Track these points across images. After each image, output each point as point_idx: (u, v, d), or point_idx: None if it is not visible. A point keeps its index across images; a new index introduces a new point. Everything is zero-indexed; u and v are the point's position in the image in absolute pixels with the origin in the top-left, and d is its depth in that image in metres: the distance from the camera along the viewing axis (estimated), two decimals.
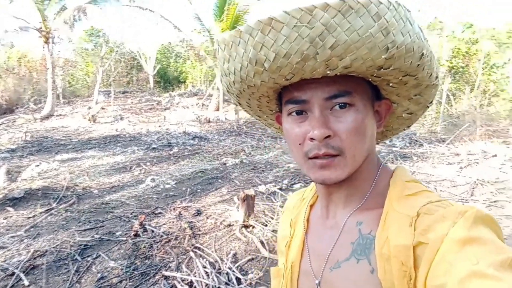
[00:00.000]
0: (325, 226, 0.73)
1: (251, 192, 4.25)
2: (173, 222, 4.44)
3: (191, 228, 4.26)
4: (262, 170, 6.37)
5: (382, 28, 0.54)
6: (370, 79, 0.65)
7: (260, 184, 5.50)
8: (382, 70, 0.60)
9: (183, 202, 5.08)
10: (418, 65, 0.61)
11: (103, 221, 4.61)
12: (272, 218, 4.27)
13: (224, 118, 12.72)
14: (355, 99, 0.63)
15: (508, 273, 0.45)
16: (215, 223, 4.37)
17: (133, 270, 3.60)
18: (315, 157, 0.63)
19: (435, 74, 0.67)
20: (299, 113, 0.65)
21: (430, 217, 0.56)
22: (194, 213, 4.68)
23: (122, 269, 3.60)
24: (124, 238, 4.11)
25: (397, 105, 0.73)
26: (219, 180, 5.94)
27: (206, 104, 15.90)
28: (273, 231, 4.04)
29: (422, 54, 0.60)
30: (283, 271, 0.80)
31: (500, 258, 0.47)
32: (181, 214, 4.67)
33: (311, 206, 0.80)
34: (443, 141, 9.10)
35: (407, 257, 0.55)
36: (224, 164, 6.88)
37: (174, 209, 4.85)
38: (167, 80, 26.08)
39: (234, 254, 3.76)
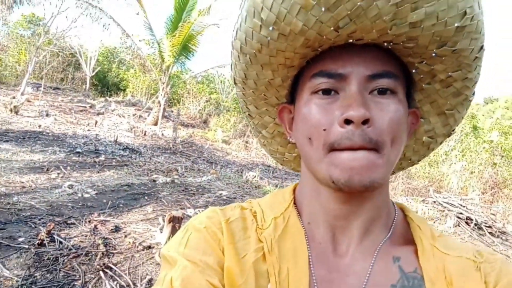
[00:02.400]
0: (337, 266, 0.54)
1: (178, 214, 4.03)
2: (86, 235, 4.05)
3: (106, 245, 3.90)
4: (193, 193, 6.14)
5: None
6: (415, 69, 0.55)
7: (189, 208, 5.27)
8: (443, 48, 0.49)
9: (101, 215, 4.69)
10: (476, 57, 0.51)
11: (5, 223, 4.07)
12: None
13: (161, 133, 12.31)
14: (398, 87, 0.52)
15: None
16: (134, 242, 4.05)
17: (30, 283, 3.17)
18: (346, 149, 0.48)
19: (476, 86, 0.57)
20: (326, 92, 0.52)
21: (493, 266, 0.51)
22: (111, 229, 4.31)
23: (17, 281, 3.15)
24: (27, 246, 3.64)
25: (424, 121, 0.62)
26: (146, 197, 5.61)
27: (144, 117, 15.35)
28: None
29: (482, 46, 0.51)
30: None
31: None
32: (96, 228, 4.28)
33: (280, 238, 0.57)
34: None
35: None
36: (154, 181, 6.54)
37: (89, 221, 4.44)
38: (106, 85, 24.90)
39: (150, 280, 3.48)
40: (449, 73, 0.53)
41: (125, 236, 4.20)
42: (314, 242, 0.57)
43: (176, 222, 3.99)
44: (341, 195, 0.54)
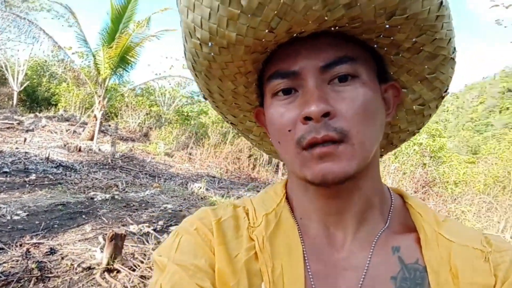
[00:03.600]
0: (332, 262, 0.52)
1: (121, 231, 3.81)
2: (17, 260, 3.68)
3: (40, 269, 3.58)
4: (136, 209, 5.87)
5: None
6: (376, 44, 0.52)
7: (132, 224, 5.01)
8: (393, 19, 0.46)
9: (34, 237, 4.31)
10: (437, 16, 0.47)
11: None
12: (142, 262, 3.85)
13: (98, 149, 11.71)
14: (359, 69, 0.49)
15: None
16: (72, 264, 3.76)
17: None
18: (312, 145, 0.47)
19: (454, 42, 0.52)
20: (287, 92, 0.51)
21: (503, 255, 0.48)
22: (46, 252, 3.97)
23: None
24: None
25: (407, 91, 0.58)
26: (83, 216, 5.25)
27: (78, 132, 14.53)
28: (141, 276, 3.62)
29: (441, 2, 0.47)
30: None
31: None
32: (29, 252, 3.91)
33: (271, 235, 0.54)
34: None
35: None
36: (92, 198, 6.16)
37: (20, 245, 4.05)
38: (35, 100, 23.30)
39: None
40: (414, 39, 0.50)
41: (62, 258, 3.88)
42: (308, 237, 0.55)
43: (118, 240, 3.76)
44: (325, 191, 0.52)
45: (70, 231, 4.69)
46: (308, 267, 0.52)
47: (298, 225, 0.56)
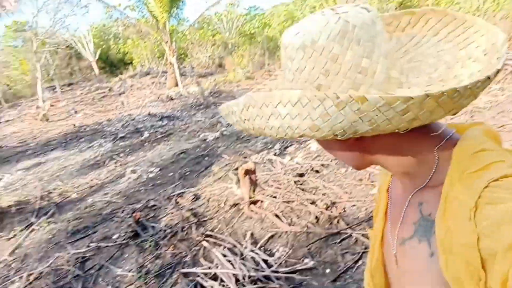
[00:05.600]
0: (397, 199, 0.72)
1: (249, 165, 3.94)
2: (172, 213, 4.08)
3: (195, 215, 3.93)
4: (248, 139, 6.05)
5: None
6: None
7: (252, 154, 5.19)
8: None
9: (175, 189, 4.71)
10: None
11: (94, 227, 4.17)
12: (280, 188, 4.00)
13: (186, 92, 12.12)
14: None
15: None
16: (219, 205, 4.06)
17: (145, 274, 3.26)
18: None
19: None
20: None
21: (494, 210, 0.48)
22: (192, 199, 4.33)
23: (133, 276, 3.25)
24: (125, 241, 3.72)
25: None
26: (206, 158, 5.58)
27: (162, 82, 15.11)
28: (284, 202, 3.79)
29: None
30: (371, 238, 0.80)
31: None
32: (178, 203, 4.31)
33: (392, 175, 0.77)
34: None
35: (473, 258, 0.49)
36: (205, 140, 6.48)
37: (168, 198, 4.47)
38: (112, 64, 24.55)
39: (252, 235, 3.49)
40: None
41: (208, 201, 4.21)
42: (395, 181, 0.76)
43: (251, 173, 3.91)
44: None
45: (202, 175, 5.03)
46: (390, 197, 0.76)
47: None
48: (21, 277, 3.36)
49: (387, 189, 0.76)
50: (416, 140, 0.61)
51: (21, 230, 4.27)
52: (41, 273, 3.40)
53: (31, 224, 4.39)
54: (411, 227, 0.63)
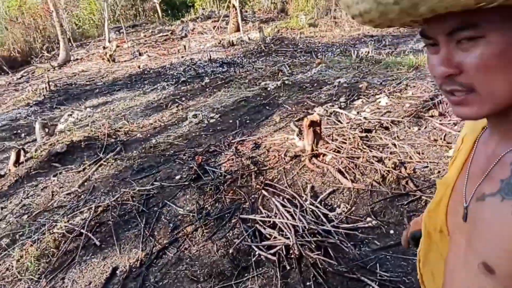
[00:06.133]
0: (486, 154, 0.68)
1: (315, 117, 3.77)
2: (232, 160, 4.08)
3: (255, 164, 3.89)
4: (310, 90, 5.81)
5: None
6: None
7: (315, 106, 4.99)
8: None
9: (235, 136, 4.68)
10: None
11: (157, 166, 4.30)
12: (344, 143, 3.82)
13: (247, 38, 11.85)
14: (483, 30, 0.52)
15: None
16: (279, 155, 3.98)
17: (206, 216, 3.32)
18: (447, 92, 0.59)
19: None
20: (432, 44, 0.59)
21: None
22: (252, 147, 4.29)
23: (193, 216, 3.33)
24: (186, 183, 3.80)
25: None
26: (267, 107, 5.46)
27: (223, 27, 14.87)
28: (348, 157, 3.62)
29: None
30: (441, 184, 0.79)
31: None
32: (238, 150, 4.29)
33: (483, 127, 0.74)
34: None
35: None
36: (266, 88, 6.33)
37: (228, 145, 4.46)
38: (174, 7, 24.46)
39: (312, 188, 3.40)
40: None
41: (268, 151, 4.14)
42: (485, 133, 0.72)
43: (315, 126, 3.75)
44: None
45: (262, 124, 4.94)
46: (475, 149, 0.73)
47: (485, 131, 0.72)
48: (89, 208, 3.58)
49: (474, 141, 0.74)
50: None
51: (90, 164, 4.52)
52: (108, 205, 3.59)
53: (100, 159, 4.62)
54: (497, 184, 0.61)
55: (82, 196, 3.93)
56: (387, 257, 2.59)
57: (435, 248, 0.80)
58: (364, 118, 4.30)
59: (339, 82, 5.73)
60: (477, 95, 0.55)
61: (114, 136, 5.29)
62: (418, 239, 0.91)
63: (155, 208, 3.52)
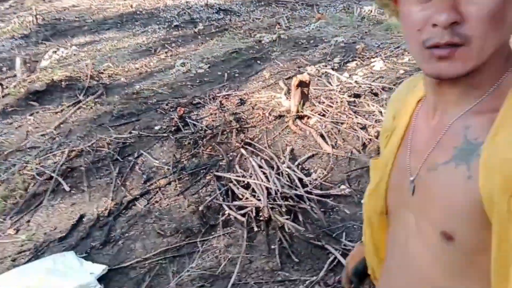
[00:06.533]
0: (429, 126, 0.67)
1: (305, 77, 3.60)
2: (215, 114, 3.95)
3: (237, 121, 3.77)
4: (305, 47, 5.57)
5: None
6: None
7: (307, 65, 4.79)
8: None
9: (222, 90, 4.51)
10: None
11: (138, 114, 4.16)
12: (331, 106, 3.69)
13: None
14: None
15: None
16: (263, 113, 3.85)
17: (180, 170, 3.25)
18: (434, 47, 0.54)
19: None
20: None
21: None
22: (237, 103, 4.14)
23: (168, 169, 3.25)
24: (165, 134, 3.69)
25: None
26: (258, 62, 5.25)
27: None
28: (332, 122, 3.51)
29: None
30: (378, 163, 0.77)
31: None
32: (222, 105, 4.14)
33: (418, 101, 0.73)
34: None
35: None
36: (260, 41, 6.06)
37: (213, 98, 4.31)
38: None
39: (291, 150, 3.32)
40: None
41: (253, 108, 4.01)
42: (423, 108, 0.71)
43: (304, 86, 3.60)
44: (439, 81, 0.61)
45: (251, 79, 4.76)
46: (413, 123, 0.72)
47: (422, 100, 0.72)
48: (63, 152, 3.48)
49: (410, 116, 0.72)
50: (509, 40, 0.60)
51: (69, 106, 4.36)
52: (82, 151, 3.49)
53: (79, 101, 4.45)
54: (450, 152, 0.60)
55: (57, 139, 3.81)
56: (355, 226, 2.57)
57: (376, 231, 0.80)
58: (356, 82, 4.14)
59: (336, 41, 5.48)
60: (469, 49, 0.53)
61: (97, 78, 5.09)
62: (361, 273, 0.87)
63: (130, 158, 3.43)
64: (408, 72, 4.37)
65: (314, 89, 4.07)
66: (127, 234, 2.70)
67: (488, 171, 0.53)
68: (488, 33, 0.52)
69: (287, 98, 3.92)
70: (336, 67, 4.59)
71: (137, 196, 3.00)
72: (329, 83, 4.17)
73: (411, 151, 0.69)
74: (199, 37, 6.85)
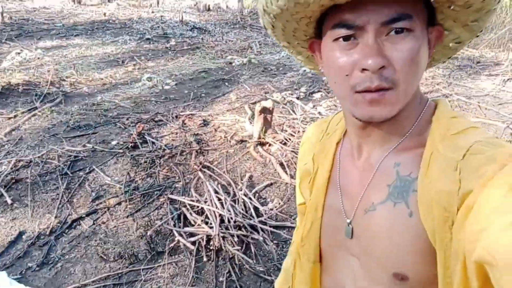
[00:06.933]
0: (356, 167, 0.68)
1: (269, 103, 3.60)
2: (176, 133, 3.86)
3: (198, 142, 3.70)
4: (274, 74, 5.62)
5: None
6: None
7: (274, 91, 4.82)
8: None
9: (186, 109, 4.45)
10: None
11: (95, 127, 4.01)
12: (293, 135, 3.70)
13: (225, 6, 11.39)
14: (414, 24, 0.54)
15: None
16: (225, 137, 3.80)
17: (133, 189, 3.12)
18: (365, 91, 0.55)
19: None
20: (346, 39, 0.56)
21: (477, 159, 0.51)
22: (200, 123, 4.08)
23: (120, 188, 3.12)
24: (121, 150, 3.56)
25: (449, 33, 0.64)
26: (226, 84, 5.23)
27: None
28: (293, 151, 3.51)
29: None
30: (307, 208, 0.76)
31: None
32: (185, 124, 4.07)
33: (337, 143, 0.73)
34: (475, 45, 8.15)
35: (451, 203, 0.51)
36: (230, 63, 6.07)
37: (176, 116, 4.23)
38: None
39: (250, 177, 3.27)
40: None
41: (215, 130, 3.95)
42: (346, 148, 0.72)
43: (267, 113, 3.60)
44: (366, 123, 0.62)
45: (217, 100, 4.73)
46: (338, 167, 0.71)
47: (342, 140, 0.73)
48: (9, 161, 3.27)
49: (333, 157, 0.72)
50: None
51: (23, 112, 4.15)
52: (30, 161, 3.30)
53: (35, 108, 4.25)
54: (384, 190, 0.61)
55: (6, 146, 3.60)
56: None
57: (305, 278, 0.77)
58: (319, 113, 4.19)
59: (304, 70, 5.57)
60: (397, 93, 0.55)
61: (57, 85, 4.90)
62: None
63: (80, 173, 3.27)
64: None
65: (278, 116, 4.08)
66: (67, 256, 2.53)
67: (427, 205, 0.54)
68: (410, 76, 0.55)
69: (250, 123, 3.90)
70: (301, 96, 4.64)
71: (83, 215, 2.84)
72: (293, 111, 4.20)
73: (343, 193, 0.69)
74: (170, 52, 6.79)
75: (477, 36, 0.66)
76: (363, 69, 0.54)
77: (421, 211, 0.55)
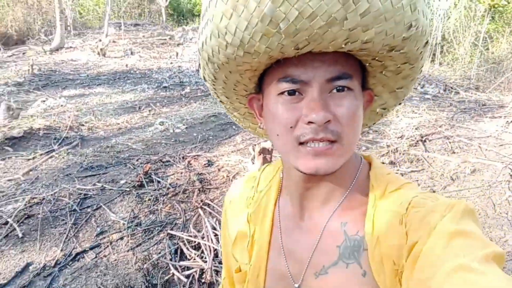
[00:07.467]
0: (300, 228, 0.67)
1: (268, 144, 3.78)
2: (181, 173, 4.06)
3: (201, 181, 3.88)
4: None
5: (411, 2, 0.50)
6: (369, 64, 0.61)
7: None
8: (392, 52, 0.56)
9: (193, 150, 4.67)
10: (421, 52, 0.58)
11: (106, 167, 4.26)
12: None
13: None
14: (354, 84, 0.58)
15: (491, 267, 0.45)
16: (228, 176, 3.97)
17: (135, 225, 3.28)
18: (311, 140, 0.56)
19: (422, 68, 0.64)
20: (291, 93, 0.58)
21: (419, 211, 0.54)
22: (204, 164, 4.28)
23: (124, 224, 3.28)
24: (128, 189, 3.76)
25: (377, 98, 0.69)
26: (233, 127, 5.48)
27: None
28: None
29: (427, 41, 0.58)
30: (248, 275, 0.72)
31: (484, 252, 0.46)
32: (190, 164, 4.27)
33: (275, 202, 0.73)
34: (477, 88, 8.28)
35: (400, 256, 0.53)
36: None
37: (183, 157, 4.45)
38: (180, 13, 24.69)
39: None
40: (398, 65, 0.60)
41: (219, 170, 4.13)
42: (285, 206, 0.70)
43: (266, 153, 3.77)
44: (309, 177, 0.63)
45: (223, 142, 4.95)
46: (279, 228, 0.69)
47: (279, 198, 0.72)
48: (24, 198, 3.51)
49: (271, 217, 0.71)
50: None
51: (41, 154, 4.46)
52: (43, 199, 3.53)
53: (53, 150, 4.56)
54: (334, 252, 0.60)
55: (22, 185, 3.86)
56: None
57: None
58: None
59: None
60: (341, 146, 0.57)
61: (76, 130, 5.25)
62: None
63: (88, 210, 3.47)
64: (364, 151, 4.60)
65: (279, 156, 4.23)
66: (68, 287, 2.67)
67: (378, 262, 0.55)
68: (353, 132, 0.58)
69: (253, 163, 4.06)
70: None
71: (87, 249, 3.00)
72: None
73: (287, 256, 0.67)
74: (184, 99, 7.17)
75: (399, 104, 0.72)
76: (309, 122, 0.55)
77: (373, 269, 0.55)
